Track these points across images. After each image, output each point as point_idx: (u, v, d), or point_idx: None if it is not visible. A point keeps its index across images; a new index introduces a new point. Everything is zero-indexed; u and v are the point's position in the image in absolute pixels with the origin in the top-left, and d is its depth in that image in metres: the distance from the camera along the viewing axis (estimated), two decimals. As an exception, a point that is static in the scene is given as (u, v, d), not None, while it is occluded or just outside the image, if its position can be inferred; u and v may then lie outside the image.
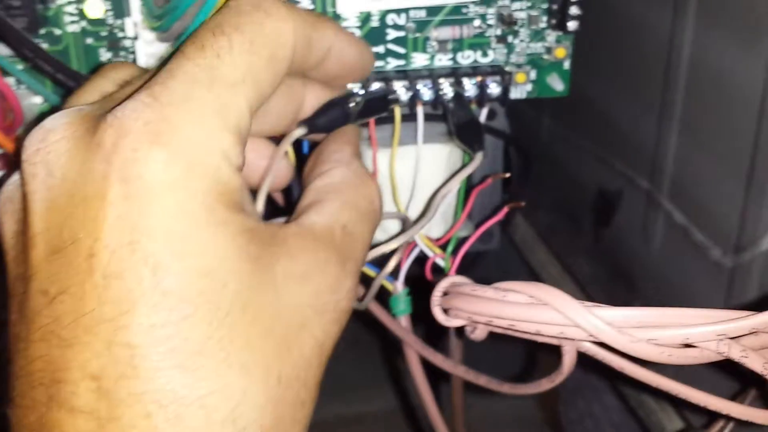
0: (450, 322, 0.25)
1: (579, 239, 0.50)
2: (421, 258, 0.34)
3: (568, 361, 0.26)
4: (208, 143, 0.21)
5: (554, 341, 0.25)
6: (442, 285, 0.26)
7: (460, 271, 0.33)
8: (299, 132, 0.27)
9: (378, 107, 0.30)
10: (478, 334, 0.26)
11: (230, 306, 0.20)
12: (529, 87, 0.36)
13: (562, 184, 0.52)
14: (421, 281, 0.34)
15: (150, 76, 0.22)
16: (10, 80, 0.32)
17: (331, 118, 0.28)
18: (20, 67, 0.31)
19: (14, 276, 0.22)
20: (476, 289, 0.24)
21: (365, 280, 0.34)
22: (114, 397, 0.19)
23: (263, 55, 0.22)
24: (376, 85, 0.33)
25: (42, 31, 0.31)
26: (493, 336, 0.27)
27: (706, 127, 0.36)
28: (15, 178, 0.22)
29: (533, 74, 0.35)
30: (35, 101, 0.32)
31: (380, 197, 0.27)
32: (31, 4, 0.30)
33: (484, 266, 0.52)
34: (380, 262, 0.33)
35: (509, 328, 0.24)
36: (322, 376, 0.23)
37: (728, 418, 0.34)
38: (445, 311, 0.26)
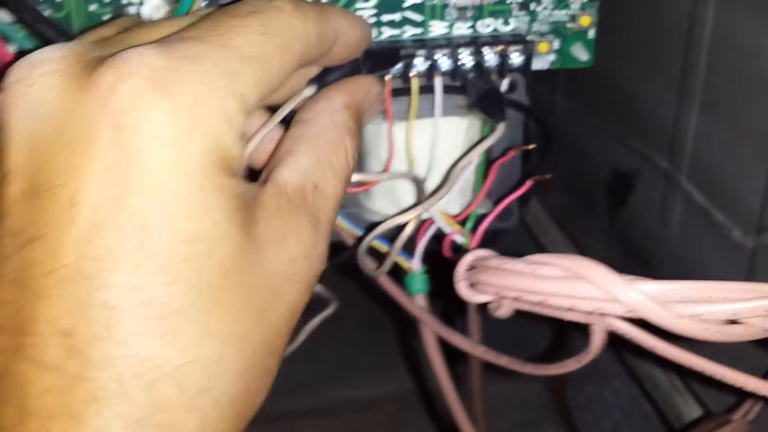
0: (476, 297, 0.24)
1: (593, 220, 0.49)
2: (438, 236, 0.33)
3: (598, 340, 0.25)
4: (214, 104, 0.20)
5: (585, 318, 0.24)
6: (468, 259, 0.24)
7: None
8: (308, 91, 0.26)
9: (388, 60, 0.30)
10: (503, 311, 0.25)
11: (213, 274, 0.19)
12: (552, 57, 0.34)
13: (575, 164, 0.51)
14: (437, 259, 0.33)
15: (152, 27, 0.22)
16: (12, 48, 0.30)
17: (341, 73, 0.26)
18: (21, 34, 0.30)
19: None
20: (505, 262, 0.23)
21: (378, 256, 0.33)
22: (85, 358, 0.18)
23: (275, 42, 0.22)
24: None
25: (43, -4, 0.30)
26: (514, 315, 0.26)
27: (727, 106, 0.35)
28: None
29: (556, 44, 0.34)
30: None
31: (356, 154, 0.25)
32: (32, -34, 0.28)
33: (495, 248, 0.51)
34: (394, 236, 0.32)
35: (540, 304, 0.23)
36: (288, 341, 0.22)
37: (755, 401, 0.33)
38: (471, 287, 0.25)
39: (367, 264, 0.32)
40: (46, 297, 0.18)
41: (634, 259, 0.45)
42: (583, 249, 0.50)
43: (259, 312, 0.21)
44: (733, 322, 0.20)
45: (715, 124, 0.36)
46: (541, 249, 0.52)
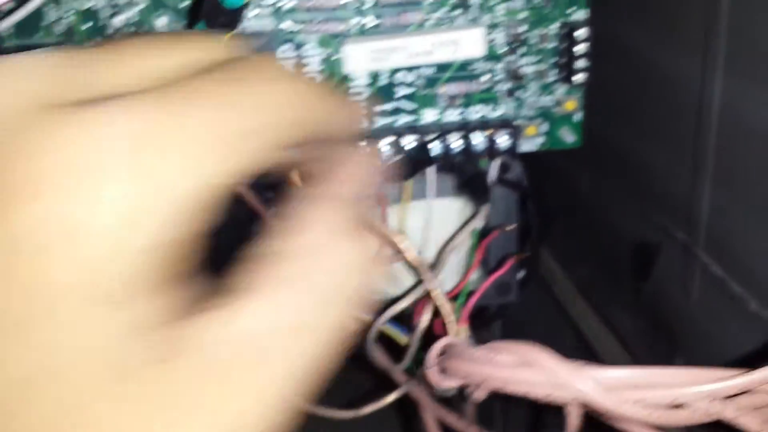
0: (445, 382, 0.25)
1: (619, 292, 0.49)
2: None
3: (573, 421, 0.25)
4: None
5: (561, 401, 0.25)
6: (438, 346, 0.25)
7: (481, 323, 0.33)
8: None
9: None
10: (479, 394, 0.26)
11: None
12: (541, 139, 0.35)
13: (601, 237, 0.51)
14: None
15: None
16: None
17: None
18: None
19: None
20: (469, 350, 0.24)
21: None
22: None
23: None
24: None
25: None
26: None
27: (738, 178, 0.35)
28: None
29: (545, 127, 0.35)
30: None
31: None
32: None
33: (526, 321, 0.51)
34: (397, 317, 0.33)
35: (503, 390, 0.23)
36: None
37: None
38: (442, 371, 0.26)
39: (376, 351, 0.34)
40: None
41: (660, 329, 0.45)
42: (609, 320, 0.50)
43: None
44: (678, 406, 0.21)
45: (728, 196, 0.37)
46: (569, 321, 0.52)
